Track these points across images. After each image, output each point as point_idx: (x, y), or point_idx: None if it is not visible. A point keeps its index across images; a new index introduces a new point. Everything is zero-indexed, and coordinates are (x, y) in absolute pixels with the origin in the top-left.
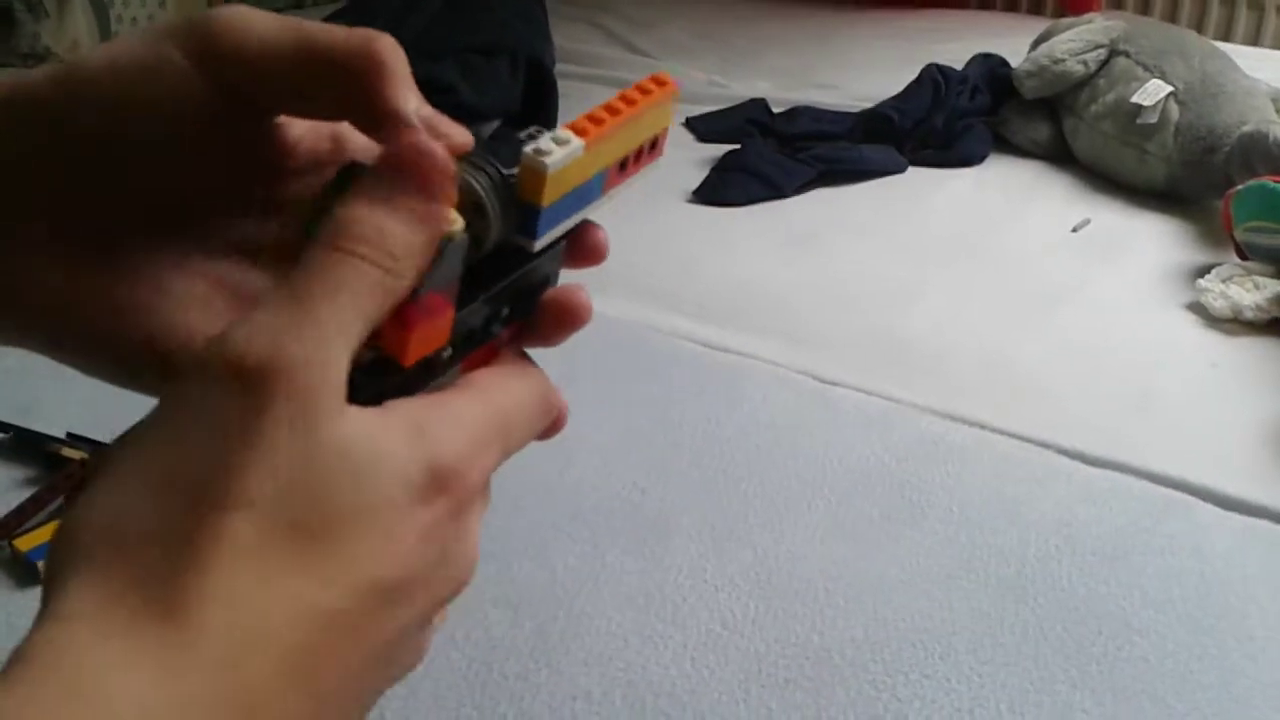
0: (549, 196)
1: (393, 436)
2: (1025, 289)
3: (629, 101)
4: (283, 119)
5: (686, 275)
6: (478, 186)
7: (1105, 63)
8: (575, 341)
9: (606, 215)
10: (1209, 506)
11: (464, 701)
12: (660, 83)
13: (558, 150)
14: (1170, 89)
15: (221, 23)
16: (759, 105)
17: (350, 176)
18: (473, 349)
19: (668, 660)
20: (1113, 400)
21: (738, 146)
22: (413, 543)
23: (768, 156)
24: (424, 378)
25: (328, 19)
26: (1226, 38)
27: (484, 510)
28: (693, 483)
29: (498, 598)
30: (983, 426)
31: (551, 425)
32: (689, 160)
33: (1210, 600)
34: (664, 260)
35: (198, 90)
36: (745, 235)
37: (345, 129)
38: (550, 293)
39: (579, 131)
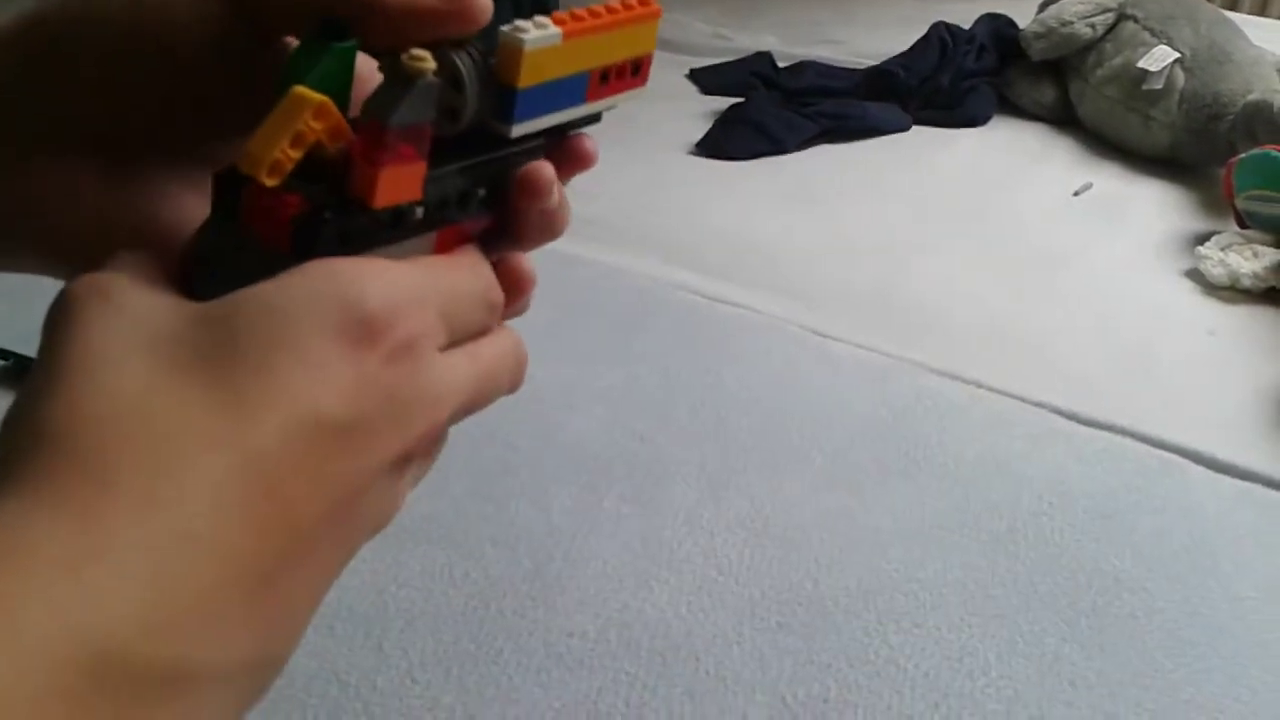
0: (525, 78)
1: (299, 279)
2: (1026, 251)
3: (611, 10)
4: (291, 40)
5: (688, 228)
6: (456, 59)
7: (1113, 27)
8: (575, 289)
9: (610, 162)
10: (1201, 469)
11: (461, 636)
12: (644, 3)
13: (535, 31)
14: (1177, 55)
15: None
16: (764, 59)
17: (325, 47)
18: (445, 222)
19: (663, 603)
20: (1109, 363)
21: (742, 100)
22: (344, 383)
23: (772, 111)
24: (393, 231)
25: None
26: (1234, 7)
27: (451, 388)
28: (691, 432)
29: (495, 537)
30: (979, 385)
31: (518, 361)
32: (692, 113)
33: (1200, 560)
34: (666, 212)
35: (216, 16)
36: (748, 189)
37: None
38: (519, 172)
39: (559, 23)
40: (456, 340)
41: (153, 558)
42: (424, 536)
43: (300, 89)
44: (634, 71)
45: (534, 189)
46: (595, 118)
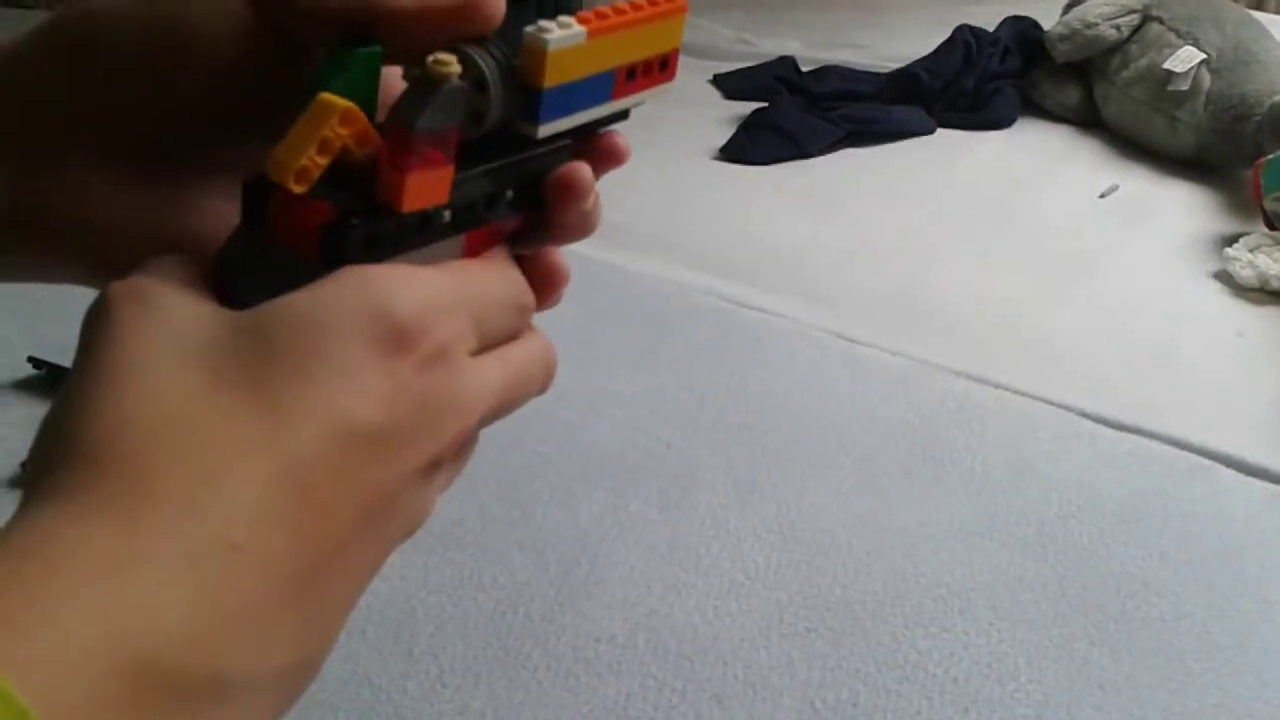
0: (550, 78)
1: (333, 289)
2: (1051, 253)
3: (636, 6)
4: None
5: (712, 232)
6: (480, 61)
7: (1138, 28)
8: (601, 294)
9: (634, 167)
10: (1230, 472)
11: (490, 641)
12: None
13: (559, 31)
14: (1203, 56)
15: None
16: (787, 63)
17: (350, 53)
18: (473, 224)
19: (690, 607)
20: (1137, 365)
21: (765, 105)
22: (379, 391)
23: (795, 115)
24: (420, 234)
25: None
26: (1260, 6)
27: (482, 393)
28: (717, 436)
29: (523, 542)
30: (1006, 388)
31: (547, 364)
32: (716, 118)
33: (1229, 564)
34: (690, 217)
35: (247, 28)
36: (772, 193)
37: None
38: (557, 173)
39: (583, 21)
40: (487, 344)
41: (195, 567)
42: (452, 542)
43: (326, 95)
44: (661, 67)
45: (572, 190)
46: (623, 115)
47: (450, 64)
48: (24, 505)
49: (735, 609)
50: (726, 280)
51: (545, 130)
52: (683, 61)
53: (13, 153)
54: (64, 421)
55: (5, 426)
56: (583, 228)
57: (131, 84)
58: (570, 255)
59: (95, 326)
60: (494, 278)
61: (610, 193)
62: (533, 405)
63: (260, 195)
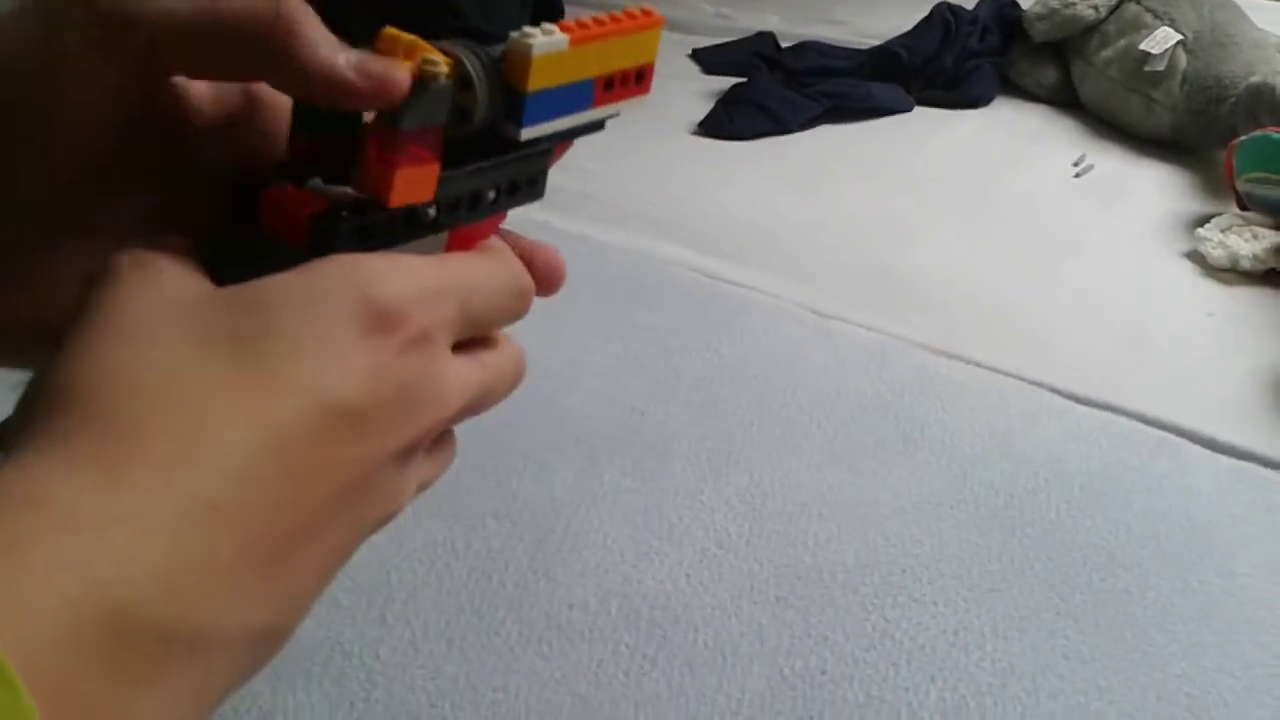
0: (534, 82)
1: (322, 270)
2: (1026, 231)
3: (614, 19)
4: (180, 80)
5: (690, 207)
6: (466, 62)
7: (1115, 8)
8: (578, 267)
9: (610, 144)
10: (1198, 449)
11: (464, 608)
12: (646, 13)
13: (543, 37)
14: (1179, 37)
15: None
16: (766, 39)
17: (250, 195)
18: (456, 223)
19: (663, 575)
20: (1108, 343)
21: (744, 80)
22: (361, 371)
23: (774, 91)
24: (407, 229)
25: None
26: None
27: (459, 387)
28: (692, 408)
29: (497, 511)
30: (978, 364)
31: (516, 369)
32: (694, 92)
33: (1195, 538)
34: (668, 191)
35: (98, 77)
36: (749, 169)
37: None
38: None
39: (565, 30)
40: (480, 329)
41: (177, 522)
42: (426, 511)
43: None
44: (637, 79)
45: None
46: (599, 125)
47: (439, 64)
48: (8, 451)
49: (707, 577)
50: (703, 254)
51: (528, 133)
52: (662, 36)
53: None
54: (55, 373)
55: None
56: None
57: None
58: (548, 228)
59: (98, 287)
60: (486, 264)
61: (588, 166)
62: None
63: (248, 192)
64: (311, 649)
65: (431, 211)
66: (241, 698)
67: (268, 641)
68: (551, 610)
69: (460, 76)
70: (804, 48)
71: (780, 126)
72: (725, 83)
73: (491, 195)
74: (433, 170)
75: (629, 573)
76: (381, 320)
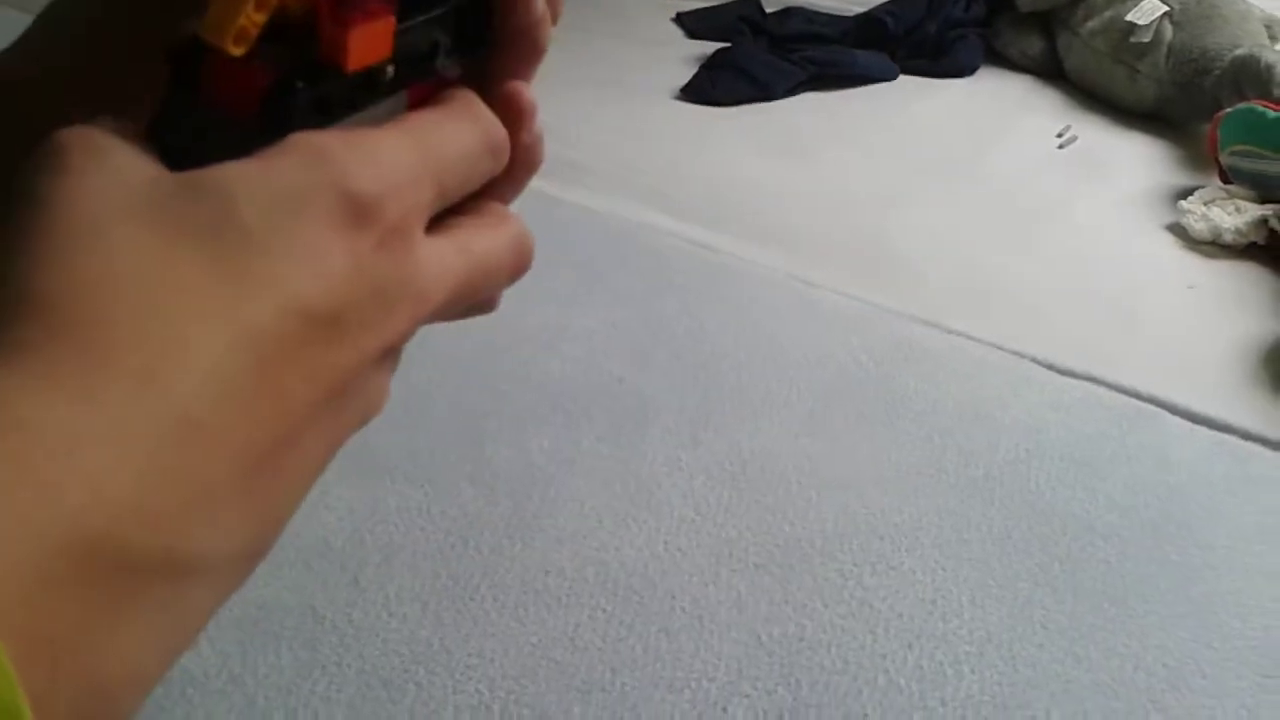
0: None
1: (289, 161)
2: (1009, 202)
3: None
4: None
5: (673, 173)
6: None
7: None
8: (559, 231)
9: (592, 108)
10: (1178, 420)
11: (439, 572)
12: None
13: None
14: (1165, 9)
15: None
16: (751, 4)
17: (194, 62)
18: (417, 78)
19: (640, 542)
20: (1089, 315)
21: (728, 45)
22: (338, 270)
23: (758, 56)
24: (366, 93)
25: None
26: None
27: (440, 281)
28: (672, 375)
29: (473, 476)
30: (959, 333)
31: (519, 251)
32: (678, 57)
33: (1174, 509)
34: (650, 157)
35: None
36: (733, 135)
37: None
38: None
39: None
40: (454, 198)
41: (152, 443)
42: (401, 475)
43: None
44: None
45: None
46: None
47: None
48: None
49: (685, 544)
50: (685, 220)
51: None
52: (644, 1)
53: None
54: (12, 276)
55: None
56: (537, 45)
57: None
58: (528, 192)
59: (43, 173)
60: (455, 127)
61: (570, 130)
62: (486, 339)
63: (192, 60)
64: (283, 613)
65: (390, 70)
66: (211, 661)
67: (247, 560)
68: (527, 576)
69: None
70: (789, 13)
71: (764, 93)
72: (709, 48)
73: (445, 42)
74: (389, 24)
75: (606, 539)
76: (357, 214)
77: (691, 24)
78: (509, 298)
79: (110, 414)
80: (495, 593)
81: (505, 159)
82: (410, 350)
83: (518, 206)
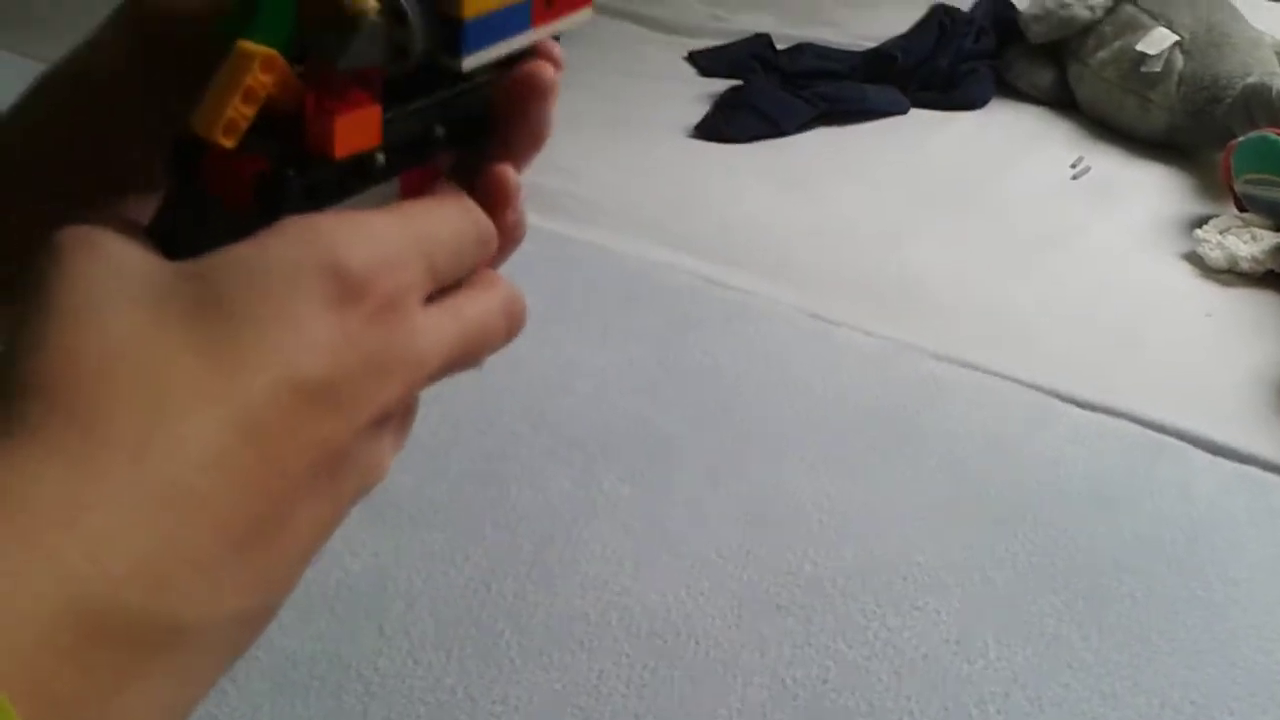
0: (470, 8)
1: (281, 241)
2: (1023, 233)
3: None
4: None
5: (686, 210)
6: None
7: (1112, 9)
8: (574, 271)
9: (606, 146)
10: (1199, 452)
11: (462, 619)
12: None
13: None
14: (1176, 38)
15: None
16: (762, 41)
17: (192, 157)
18: (407, 165)
19: (663, 586)
20: (1106, 346)
21: (740, 82)
22: (328, 344)
23: (770, 93)
24: (357, 181)
25: None
26: None
27: (434, 348)
28: (690, 414)
29: (496, 520)
30: (976, 367)
31: (510, 314)
32: (690, 95)
33: (1197, 543)
34: (664, 194)
35: (140, 80)
36: (746, 172)
37: None
38: (521, 72)
39: None
40: (445, 283)
41: (149, 511)
42: (423, 520)
43: (245, 43)
44: None
45: (540, 89)
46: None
47: (366, 0)
48: None
49: (707, 587)
50: (700, 257)
51: (469, 63)
52: (656, 38)
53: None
54: (11, 359)
55: None
56: (538, 137)
57: (72, 138)
58: (540, 230)
59: (44, 268)
60: (444, 214)
61: (583, 168)
62: (504, 382)
63: (190, 152)
64: (310, 662)
65: (380, 158)
66: (241, 710)
67: (248, 627)
68: (551, 621)
69: (392, 9)
70: (800, 50)
71: (776, 129)
72: (721, 85)
73: (440, 132)
74: (375, 113)
75: (628, 583)
76: (348, 290)
77: (703, 62)
78: (523, 338)
79: (108, 485)
80: (519, 638)
81: (494, 248)
82: (427, 393)
83: (534, 243)
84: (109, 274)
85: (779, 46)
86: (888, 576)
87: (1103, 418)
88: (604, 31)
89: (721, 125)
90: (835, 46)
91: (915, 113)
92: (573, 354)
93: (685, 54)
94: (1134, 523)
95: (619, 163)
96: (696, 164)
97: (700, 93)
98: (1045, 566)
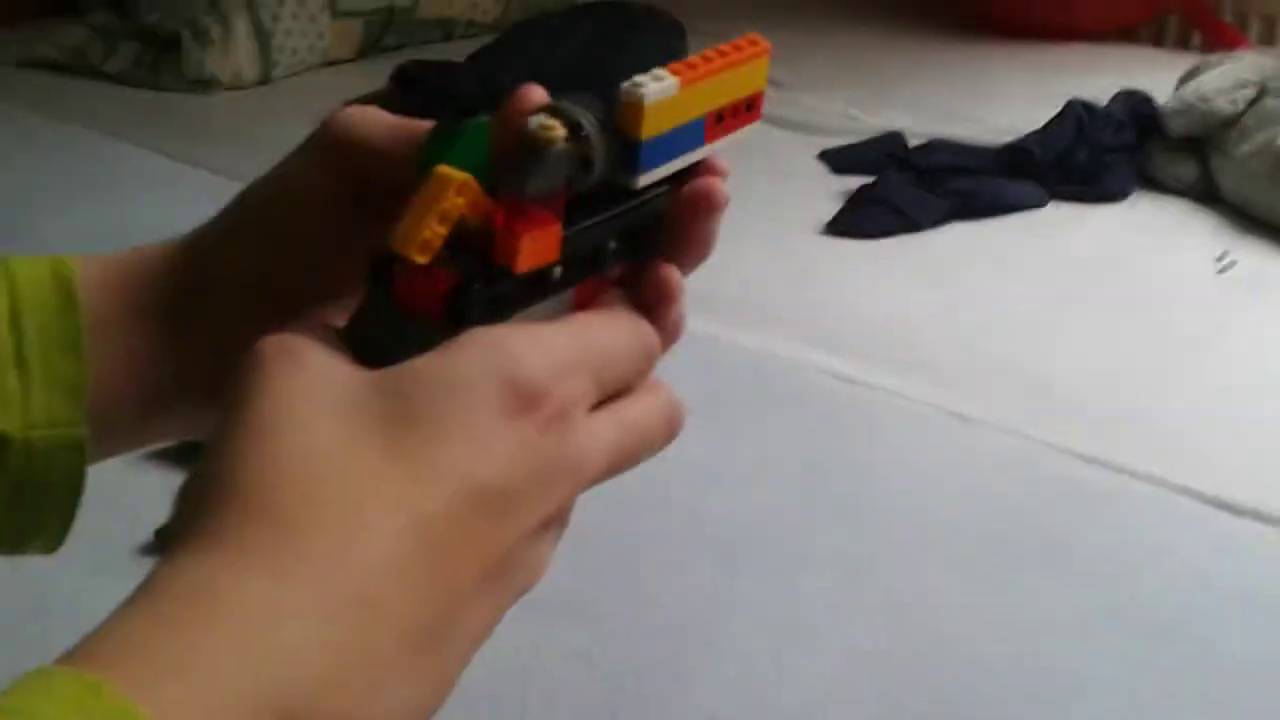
0: (647, 129)
1: (466, 354)
2: (1170, 329)
3: (722, 53)
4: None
5: (821, 307)
6: (580, 118)
7: (1254, 102)
8: (711, 369)
9: (742, 242)
10: None
11: (600, 716)
12: (753, 42)
13: (654, 85)
14: None
15: (346, 123)
16: (895, 138)
17: (460, 124)
18: (581, 277)
19: (801, 688)
20: (1257, 448)
21: (873, 179)
22: (505, 453)
23: (904, 189)
24: (536, 292)
25: (477, 52)
26: None
27: (597, 455)
28: (827, 515)
29: (634, 616)
30: (1124, 470)
31: (669, 419)
32: (824, 192)
33: None
34: (798, 292)
35: (332, 198)
36: (880, 268)
37: None
38: (694, 187)
39: (674, 73)
40: (609, 393)
41: (336, 620)
42: (564, 614)
43: (444, 168)
44: (748, 108)
45: (715, 205)
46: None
47: (555, 128)
48: (174, 549)
49: (846, 693)
50: (837, 355)
51: (644, 180)
52: (790, 137)
53: (200, 324)
54: (217, 468)
55: (136, 495)
56: (706, 248)
57: (270, 248)
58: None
59: (247, 377)
60: (614, 329)
61: (720, 266)
62: (644, 477)
63: (385, 266)
64: None
65: (558, 271)
66: None
67: None
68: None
69: (577, 135)
70: (933, 146)
71: (911, 225)
72: (854, 182)
73: (612, 246)
74: (556, 231)
75: (766, 685)
76: (523, 401)
77: (836, 160)
78: None
79: (305, 595)
80: None
81: (656, 358)
82: None
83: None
84: (308, 386)
85: (912, 144)
86: (1032, 688)
87: (1253, 524)
88: None
89: (855, 221)
90: (969, 143)
91: (1054, 206)
92: (712, 452)
93: (818, 153)
94: None
95: (754, 260)
96: (831, 260)
97: (833, 190)
98: (1197, 681)
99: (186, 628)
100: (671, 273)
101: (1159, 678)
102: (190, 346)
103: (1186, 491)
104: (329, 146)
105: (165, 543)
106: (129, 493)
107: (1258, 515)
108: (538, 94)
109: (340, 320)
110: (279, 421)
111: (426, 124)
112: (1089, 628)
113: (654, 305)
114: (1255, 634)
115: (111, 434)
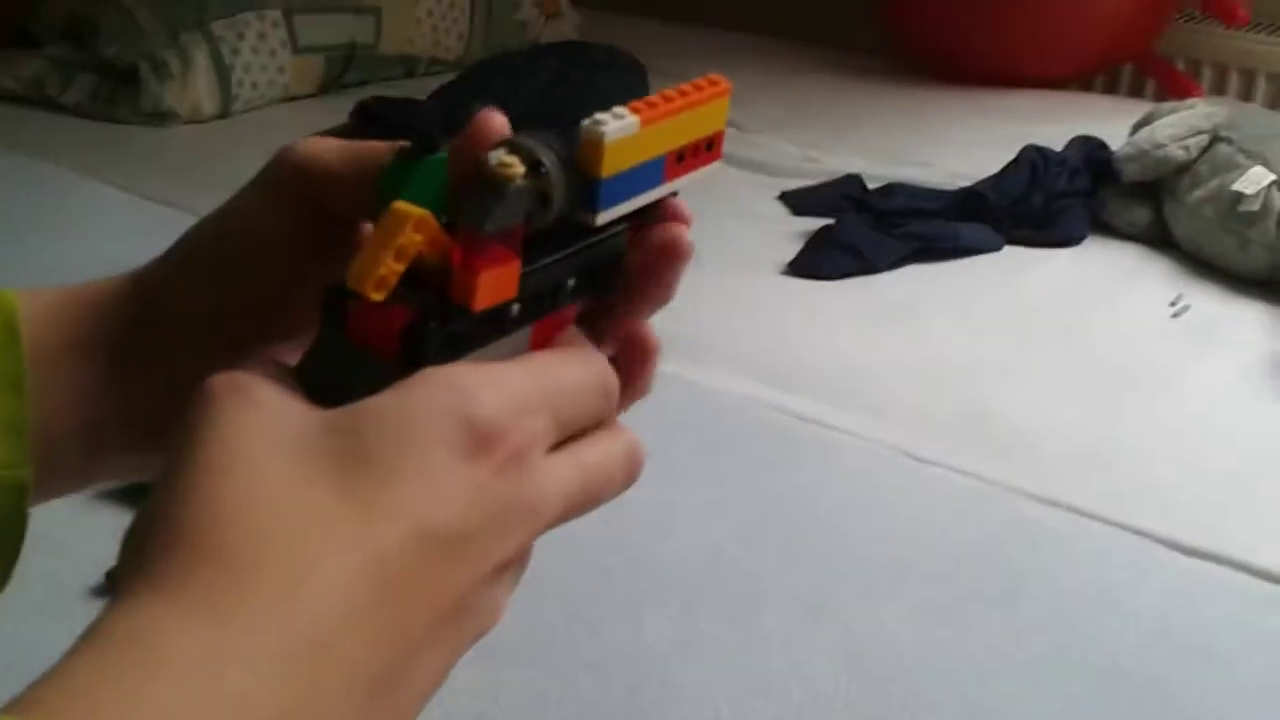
0: (608, 167)
1: (421, 393)
2: (1122, 372)
3: (683, 93)
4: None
5: (779, 348)
6: (540, 154)
7: (1207, 149)
8: (666, 408)
9: (702, 282)
10: None
11: None
12: (714, 82)
13: (614, 123)
14: (1273, 177)
15: (300, 150)
16: (853, 181)
17: (422, 151)
18: (540, 314)
19: None
20: (1211, 490)
21: (832, 221)
22: (460, 495)
23: (862, 232)
24: (493, 330)
25: (440, 90)
26: None
27: (554, 498)
28: (784, 554)
29: (589, 662)
30: (1078, 511)
31: (629, 461)
32: (782, 234)
33: None
34: (756, 332)
35: (287, 232)
36: (838, 309)
37: None
38: (661, 233)
39: (635, 111)
40: (569, 433)
41: (284, 664)
42: (519, 659)
43: (401, 204)
44: (708, 147)
45: (679, 254)
46: (671, 194)
47: (514, 164)
48: (120, 593)
49: None
50: (793, 395)
51: (604, 218)
52: (750, 178)
53: (149, 360)
54: (163, 508)
55: (87, 536)
56: (668, 294)
57: (223, 282)
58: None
59: (196, 415)
60: (574, 367)
61: (679, 306)
62: (599, 520)
63: (340, 302)
64: None
65: (515, 309)
66: None
67: None
68: None
69: (536, 172)
70: (891, 189)
71: (869, 267)
72: (814, 224)
73: (571, 283)
74: (515, 268)
75: None
76: (479, 442)
77: (795, 202)
78: None
79: (246, 638)
80: None
81: (615, 399)
82: None
83: None
84: (259, 424)
85: (871, 186)
86: None
87: (1208, 565)
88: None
89: (813, 262)
90: (927, 186)
91: (1009, 250)
92: (666, 491)
93: (777, 194)
94: (1244, 678)
95: (711, 300)
96: (789, 301)
97: (792, 231)
98: None
99: (129, 675)
100: (648, 331)
101: (1113, 718)
102: (138, 382)
103: (1141, 533)
104: (284, 176)
105: (116, 585)
106: (79, 533)
107: (1212, 557)
108: (498, 121)
109: (293, 357)
110: (228, 460)
111: (380, 146)
112: (1044, 669)
113: (630, 363)
114: (1209, 677)
115: (55, 473)
